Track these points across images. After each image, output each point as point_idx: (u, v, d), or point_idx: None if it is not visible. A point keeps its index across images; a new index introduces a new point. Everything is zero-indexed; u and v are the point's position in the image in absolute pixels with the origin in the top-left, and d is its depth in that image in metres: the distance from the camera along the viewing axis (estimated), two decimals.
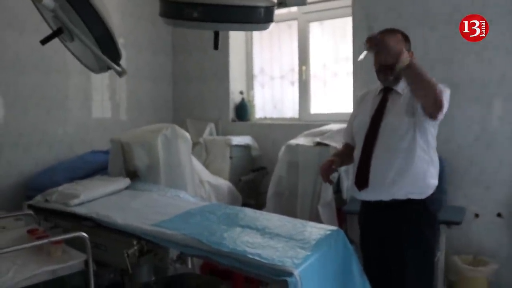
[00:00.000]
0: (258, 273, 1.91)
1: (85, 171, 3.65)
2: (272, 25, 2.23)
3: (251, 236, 2.18)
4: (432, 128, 2.18)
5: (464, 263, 3.25)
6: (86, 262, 2.18)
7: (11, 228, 2.66)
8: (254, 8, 2.11)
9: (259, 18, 2.15)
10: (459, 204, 3.42)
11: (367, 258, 2.38)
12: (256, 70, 4.98)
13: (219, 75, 4.88)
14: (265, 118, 4.91)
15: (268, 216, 2.56)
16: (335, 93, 4.42)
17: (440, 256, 3.04)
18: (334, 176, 2.53)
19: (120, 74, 2.16)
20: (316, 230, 2.24)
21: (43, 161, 3.93)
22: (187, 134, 3.65)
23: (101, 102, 4.50)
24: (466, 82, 3.42)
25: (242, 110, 4.82)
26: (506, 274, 3.31)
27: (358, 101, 2.51)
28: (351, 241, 2.33)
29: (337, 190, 3.42)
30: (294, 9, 4.48)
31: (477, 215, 3.41)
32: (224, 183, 4.10)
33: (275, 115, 4.87)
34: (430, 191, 2.21)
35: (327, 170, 2.40)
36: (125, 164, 3.42)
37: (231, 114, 4.87)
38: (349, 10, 4.03)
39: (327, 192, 3.34)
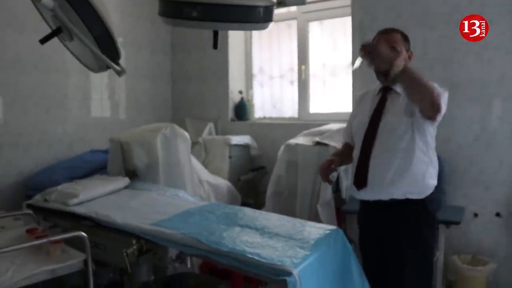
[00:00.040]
0: (257, 273, 1.91)
1: (84, 171, 3.65)
2: (272, 25, 2.23)
3: (250, 236, 2.18)
4: (431, 129, 2.18)
5: (463, 263, 3.25)
6: (85, 262, 2.19)
7: (10, 228, 2.66)
8: (254, 7, 2.11)
9: (259, 18, 2.15)
10: (459, 204, 3.42)
11: (366, 258, 2.38)
12: (255, 69, 4.98)
13: (218, 75, 4.88)
14: (264, 118, 4.91)
15: (267, 216, 2.56)
16: (335, 92, 4.42)
17: (439, 255, 3.04)
18: (333, 175, 2.53)
19: (119, 73, 2.16)
20: (315, 230, 2.24)
21: (42, 161, 3.93)
22: (186, 134, 3.65)
23: (100, 101, 4.50)
24: (465, 82, 3.42)
25: (241, 110, 4.82)
26: (504, 273, 3.31)
27: (358, 100, 2.51)
28: (350, 241, 2.33)
29: (336, 190, 3.43)
30: (293, 8, 4.48)
31: (476, 215, 3.42)
32: (223, 183, 4.10)
33: (274, 114, 4.87)
34: (429, 191, 2.21)
35: (326, 170, 2.40)
36: (124, 164, 3.42)
37: (230, 113, 4.87)
38: (349, 9, 4.03)
39: (326, 191, 3.34)
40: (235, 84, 4.87)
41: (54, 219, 2.85)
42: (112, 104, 4.63)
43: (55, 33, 2.06)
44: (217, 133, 4.83)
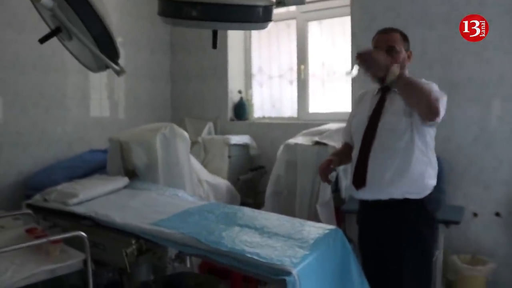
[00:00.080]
0: (256, 272, 1.91)
1: (83, 170, 3.65)
2: (271, 24, 2.23)
3: (250, 235, 2.18)
4: (430, 129, 2.19)
5: (463, 263, 3.25)
6: (84, 261, 2.19)
7: (10, 228, 2.65)
8: (253, 7, 2.11)
9: (258, 17, 2.15)
10: (458, 203, 3.42)
11: (365, 257, 2.38)
12: (254, 69, 4.98)
13: (217, 74, 4.88)
14: (264, 117, 4.91)
15: (266, 215, 2.56)
16: (334, 92, 4.42)
17: (439, 255, 3.04)
18: (332, 175, 2.53)
19: (119, 73, 2.16)
20: (315, 229, 2.24)
21: (42, 160, 3.93)
22: (186, 133, 3.65)
23: (99, 101, 4.49)
24: (465, 82, 3.42)
25: (241, 109, 4.82)
26: (504, 273, 3.31)
27: (357, 100, 2.51)
28: (350, 240, 2.33)
29: (336, 190, 3.43)
30: (292, 8, 4.48)
31: (475, 215, 3.42)
32: (222, 182, 4.10)
33: (273, 114, 4.87)
34: (428, 192, 2.22)
35: (326, 170, 2.40)
36: (124, 163, 3.42)
37: (230, 113, 4.87)
38: (348, 9, 4.03)
39: (326, 191, 3.34)
40: (235, 83, 4.87)
41: (54, 218, 2.85)
42: (111, 104, 4.63)
43: (54, 32, 2.06)
44: (216, 133, 4.83)
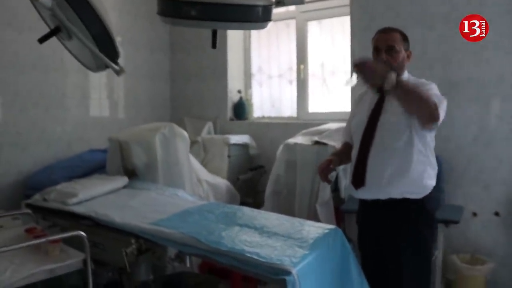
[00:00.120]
0: (256, 272, 1.91)
1: (83, 170, 3.65)
2: (270, 24, 2.24)
3: (249, 235, 2.18)
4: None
5: (462, 262, 3.25)
6: (84, 261, 2.18)
7: (9, 227, 2.65)
8: (252, 7, 2.11)
9: (257, 17, 2.15)
10: (457, 203, 3.42)
11: (365, 257, 2.39)
12: (254, 69, 4.98)
13: (217, 74, 4.88)
14: (263, 117, 4.91)
15: (266, 215, 2.57)
16: (333, 92, 4.42)
17: (438, 255, 3.05)
18: (332, 175, 2.53)
19: (118, 72, 2.16)
20: (314, 229, 2.24)
21: (41, 160, 3.92)
22: (185, 133, 3.65)
23: (99, 100, 4.49)
24: (464, 81, 3.42)
25: (240, 109, 4.82)
26: (503, 272, 3.31)
27: (357, 100, 2.51)
28: (349, 240, 2.33)
29: (335, 189, 3.43)
30: (292, 8, 4.47)
31: (475, 214, 3.42)
32: (222, 182, 4.10)
33: (273, 114, 4.87)
34: (427, 192, 2.22)
35: (325, 170, 2.41)
36: (123, 163, 3.42)
37: (229, 113, 4.86)
38: (347, 9, 4.02)
39: (325, 191, 3.34)
40: (234, 83, 4.87)
41: (53, 218, 2.85)
42: (111, 104, 4.63)
43: (53, 32, 2.06)
44: (216, 133, 4.83)
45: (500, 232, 3.36)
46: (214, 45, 2.24)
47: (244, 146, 4.47)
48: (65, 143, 4.14)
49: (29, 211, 2.80)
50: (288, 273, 1.79)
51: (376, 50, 2.25)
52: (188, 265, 2.50)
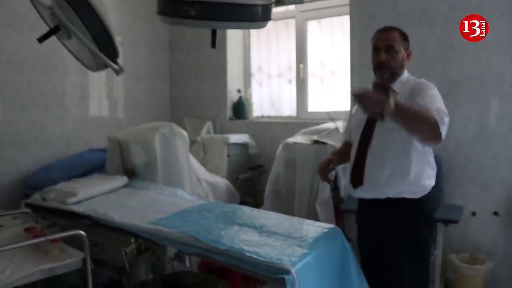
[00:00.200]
0: (255, 271, 1.91)
1: (82, 169, 3.65)
2: (270, 23, 2.23)
3: (249, 234, 2.19)
4: None
5: (461, 262, 3.26)
6: (83, 260, 2.18)
7: (8, 227, 2.66)
8: (252, 6, 2.11)
9: (257, 16, 2.15)
10: (457, 202, 3.42)
11: (364, 256, 2.39)
12: (253, 68, 4.97)
13: (216, 73, 4.88)
14: (263, 117, 4.91)
15: (265, 214, 2.57)
16: (333, 91, 4.42)
17: (438, 254, 3.05)
18: (331, 174, 2.54)
19: (118, 72, 2.16)
20: (314, 228, 2.24)
21: (40, 159, 3.92)
22: (185, 132, 3.65)
23: (98, 100, 4.49)
24: (463, 81, 3.42)
25: (240, 108, 4.81)
26: (502, 272, 3.32)
27: None
28: (349, 239, 2.33)
29: (335, 188, 3.43)
30: (292, 7, 4.47)
31: (474, 214, 3.42)
32: (221, 181, 4.10)
33: (272, 113, 4.87)
34: (426, 192, 2.22)
35: (325, 169, 2.41)
36: (123, 162, 3.42)
37: (229, 112, 4.86)
38: (347, 8, 4.02)
39: (325, 190, 3.34)
40: (234, 83, 4.87)
41: (53, 218, 2.85)
42: (110, 103, 4.63)
43: (53, 31, 2.06)
44: (215, 132, 4.83)
45: (499, 231, 3.37)
46: (213, 45, 2.24)
47: (244, 145, 4.47)
48: (64, 142, 4.14)
49: (28, 210, 2.81)
50: (287, 272, 1.79)
51: (376, 49, 2.26)
52: (187, 264, 2.51)
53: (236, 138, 4.41)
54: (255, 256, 1.91)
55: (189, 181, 3.59)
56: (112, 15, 2.25)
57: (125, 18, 4.68)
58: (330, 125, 3.75)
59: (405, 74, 2.30)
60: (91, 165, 3.74)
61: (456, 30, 3.17)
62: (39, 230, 2.42)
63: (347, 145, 2.52)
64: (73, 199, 2.80)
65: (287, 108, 4.76)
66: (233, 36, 4.81)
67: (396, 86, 2.25)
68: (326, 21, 4.48)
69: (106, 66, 2.16)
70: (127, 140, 3.40)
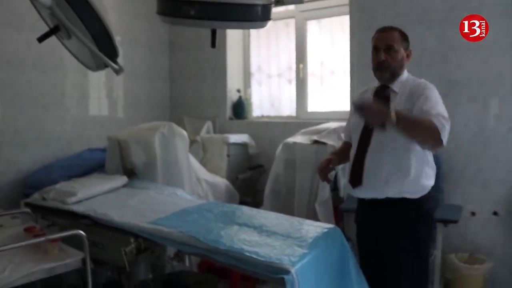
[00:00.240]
0: (255, 271, 1.92)
1: (82, 169, 3.65)
2: (270, 23, 2.23)
3: (248, 234, 2.19)
4: None
5: (461, 261, 3.26)
6: (83, 260, 2.18)
7: (8, 226, 2.66)
8: (252, 6, 2.11)
9: (257, 16, 2.15)
10: (456, 202, 3.42)
11: (363, 256, 2.39)
12: (253, 68, 4.97)
13: (216, 73, 4.88)
14: (263, 116, 4.90)
15: (265, 214, 2.57)
16: (333, 91, 4.42)
17: (437, 254, 3.05)
18: (331, 174, 2.54)
19: (118, 72, 2.16)
20: (313, 228, 2.25)
21: (40, 159, 3.92)
22: (184, 132, 3.65)
23: (98, 99, 4.49)
24: (463, 81, 3.42)
25: (240, 108, 4.81)
26: (501, 271, 3.32)
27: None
28: (348, 239, 2.34)
29: (334, 188, 3.43)
30: (291, 7, 4.47)
31: (473, 214, 3.42)
32: (221, 181, 4.10)
33: (272, 113, 4.87)
34: (425, 192, 2.22)
35: (325, 169, 2.41)
36: (123, 162, 3.42)
37: (229, 112, 4.86)
38: (347, 8, 4.02)
39: (324, 190, 3.34)
40: (233, 82, 4.87)
41: (52, 217, 2.85)
42: (110, 103, 4.62)
43: (53, 31, 2.07)
44: (215, 132, 4.83)
45: (499, 231, 3.37)
46: (213, 45, 2.24)
47: (243, 145, 4.47)
48: (64, 142, 4.14)
49: (28, 210, 2.81)
50: (287, 272, 1.79)
51: (375, 49, 2.26)
52: (187, 264, 2.51)
53: (235, 138, 4.41)
54: (254, 256, 1.91)
55: (188, 181, 3.59)
56: (112, 15, 2.26)
57: (124, 18, 4.68)
58: (330, 125, 3.76)
59: (405, 74, 2.30)
60: (91, 165, 3.74)
61: (456, 30, 3.17)
62: (38, 229, 2.42)
63: (346, 145, 2.52)
64: (72, 199, 2.80)
65: (287, 108, 4.76)
66: (233, 36, 4.81)
67: (396, 86, 2.25)
68: (326, 21, 4.48)
69: (106, 66, 2.16)
70: (127, 139, 3.40)
